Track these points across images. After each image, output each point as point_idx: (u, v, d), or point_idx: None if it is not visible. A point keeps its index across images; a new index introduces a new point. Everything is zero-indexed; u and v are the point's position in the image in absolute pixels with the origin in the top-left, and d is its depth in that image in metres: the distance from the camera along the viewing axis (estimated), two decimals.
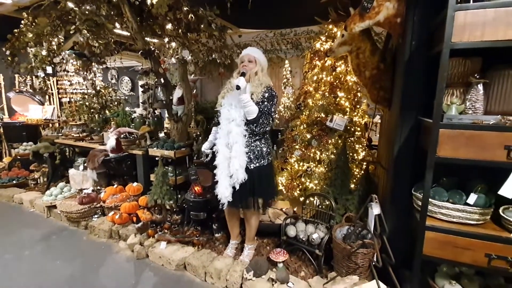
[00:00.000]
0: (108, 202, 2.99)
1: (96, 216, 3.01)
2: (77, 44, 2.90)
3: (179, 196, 3.14)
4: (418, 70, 1.67)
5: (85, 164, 3.41)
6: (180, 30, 3.46)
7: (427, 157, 1.51)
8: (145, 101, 3.34)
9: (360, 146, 3.16)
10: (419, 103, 1.70)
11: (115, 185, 3.15)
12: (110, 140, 3.17)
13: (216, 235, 2.55)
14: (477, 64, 1.40)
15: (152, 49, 3.31)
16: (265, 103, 1.99)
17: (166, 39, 3.96)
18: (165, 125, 4.13)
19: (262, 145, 2.12)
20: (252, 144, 2.06)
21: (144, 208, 3.02)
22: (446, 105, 1.42)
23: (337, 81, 3.07)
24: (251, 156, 2.04)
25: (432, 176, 1.62)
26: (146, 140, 3.43)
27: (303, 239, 2.26)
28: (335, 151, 3.03)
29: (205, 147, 2.35)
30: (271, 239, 2.65)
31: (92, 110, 4.17)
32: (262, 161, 2.09)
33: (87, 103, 4.16)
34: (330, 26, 3.23)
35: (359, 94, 3.17)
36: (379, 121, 3.94)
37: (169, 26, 3.58)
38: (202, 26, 3.14)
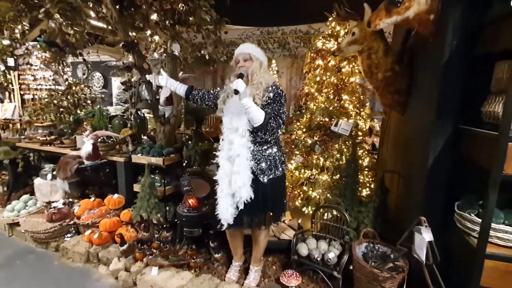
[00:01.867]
0: (84, 219, 2.55)
1: (69, 235, 2.56)
2: (45, 33, 2.43)
3: (168, 209, 2.78)
4: (458, 73, 1.49)
5: (55, 173, 2.92)
6: (167, 22, 3.08)
7: (475, 171, 1.33)
8: (127, 100, 2.93)
9: (365, 152, 3.01)
10: (458, 110, 1.52)
11: (92, 198, 2.71)
12: (86, 145, 2.72)
13: (216, 255, 2.24)
14: None
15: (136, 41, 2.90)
16: (272, 104, 1.71)
17: (149, 32, 3.56)
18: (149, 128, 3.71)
19: (275, 152, 1.85)
20: (264, 153, 1.78)
21: (128, 224, 2.62)
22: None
23: (341, 83, 2.88)
24: (263, 167, 1.77)
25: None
26: (128, 144, 3.01)
27: (318, 258, 2.03)
28: (339, 158, 2.84)
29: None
30: (276, 257, 2.39)
31: (61, 109, 3.63)
32: (276, 172, 1.82)
33: (55, 101, 3.61)
34: (333, 24, 3.03)
35: (362, 97, 3.00)
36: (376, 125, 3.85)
37: (154, 16, 3.18)
38: (194, 17, 2.80)
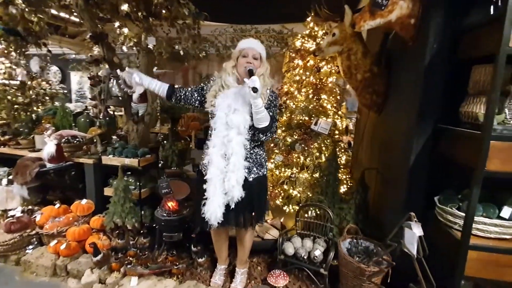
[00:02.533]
0: (48, 228, 2.30)
1: (31, 247, 2.29)
2: (1, 19, 2.13)
3: (143, 213, 2.62)
4: (439, 76, 1.58)
5: (11, 177, 2.59)
6: (140, 13, 2.89)
7: (452, 168, 1.42)
8: (95, 96, 2.69)
9: (342, 150, 3.10)
10: (438, 110, 1.61)
11: (57, 204, 2.45)
12: (48, 146, 2.45)
13: (199, 260, 2.15)
14: (509, 71, 1.35)
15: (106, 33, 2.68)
16: (271, 108, 1.71)
17: (117, 23, 3.32)
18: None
19: (261, 151, 1.82)
20: (251, 151, 1.74)
21: (99, 232, 2.42)
22: (482, 114, 1.33)
23: (320, 83, 2.93)
24: (250, 165, 1.73)
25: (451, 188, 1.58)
26: (97, 145, 2.78)
27: (304, 256, 2.04)
28: (318, 156, 2.90)
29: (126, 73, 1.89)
30: (261, 258, 2.36)
31: (16, 106, 3.23)
32: (262, 170, 1.79)
33: (8, 97, 3.20)
34: (311, 24, 3.08)
35: (339, 97, 3.09)
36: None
37: (124, 7, 2.97)
38: (171, 10, 2.66)
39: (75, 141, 2.82)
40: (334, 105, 2.96)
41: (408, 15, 1.72)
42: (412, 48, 1.78)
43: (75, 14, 3.24)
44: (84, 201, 2.52)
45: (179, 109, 3.08)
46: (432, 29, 1.55)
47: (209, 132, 1.79)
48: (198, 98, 1.84)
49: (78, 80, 6.90)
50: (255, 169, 1.75)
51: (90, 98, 3.16)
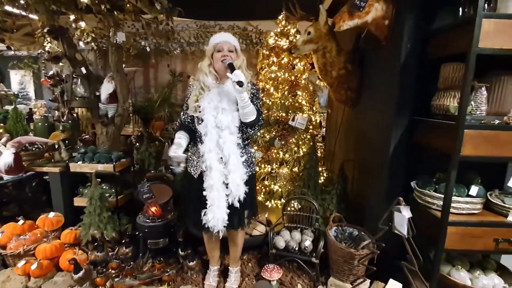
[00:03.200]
0: (13, 247, 2.03)
1: None
2: None
3: (120, 221, 2.46)
4: (412, 73, 1.75)
5: None
6: (103, 6, 2.67)
7: (426, 155, 1.61)
8: (56, 98, 2.42)
9: (317, 143, 3.24)
10: (412, 104, 1.78)
11: (20, 221, 2.17)
12: (4, 155, 2.16)
13: (190, 263, 2.09)
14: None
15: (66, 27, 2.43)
16: (255, 101, 1.71)
17: (72, 17, 3.03)
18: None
19: (252, 150, 1.84)
20: (243, 150, 1.75)
21: (73, 246, 2.21)
22: (453, 106, 1.52)
23: (295, 80, 3.02)
24: (245, 164, 1.74)
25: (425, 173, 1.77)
26: (61, 151, 2.52)
27: (295, 248, 2.11)
28: (297, 151, 3.00)
29: (175, 152, 1.61)
30: (250, 254, 2.39)
31: None
32: (252, 168, 1.81)
33: None
34: (284, 23, 3.14)
35: (313, 93, 3.22)
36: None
37: None
38: (141, 4, 2.50)
39: (33, 149, 2.52)
40: (309, 101, 3.07)
41: (383, 17, 1.87)
42: (386, 47, 1.94)
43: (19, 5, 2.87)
44: (51, 214, 2.28)
45: (151, 109, 2.93)
46: (406, 31, 1.71)
47: (196, 136, 1.74)
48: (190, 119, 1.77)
49: (20, 79, 6.10)
50: (248, 167, 1.76)
51: (50, 100, 2.83)
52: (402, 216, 1.41)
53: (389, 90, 1.90)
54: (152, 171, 2.53)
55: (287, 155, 2.98)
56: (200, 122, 1.69)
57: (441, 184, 1.59)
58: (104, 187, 2.42)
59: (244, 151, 1.73)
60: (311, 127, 3.20)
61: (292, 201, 2.43)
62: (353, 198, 2.48)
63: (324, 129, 3.66)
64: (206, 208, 1.67)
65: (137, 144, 2.84)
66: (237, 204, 1.66)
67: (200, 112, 1.68)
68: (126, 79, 2.59)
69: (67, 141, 2.60)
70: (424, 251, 1.62)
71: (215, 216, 1.64)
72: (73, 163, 2.38)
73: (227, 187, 1.66)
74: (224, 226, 1.67)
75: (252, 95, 1.69)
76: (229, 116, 1.64)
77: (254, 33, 5.94)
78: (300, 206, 2.41)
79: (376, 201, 2.03)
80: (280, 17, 3.13)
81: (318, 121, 3.25)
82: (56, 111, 2.51)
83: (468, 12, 1.44)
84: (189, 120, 1.76)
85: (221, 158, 1.66)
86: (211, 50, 1.69)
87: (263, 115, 1.77)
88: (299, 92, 3.05)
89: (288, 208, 2.40)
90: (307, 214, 2.32)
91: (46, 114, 2.77)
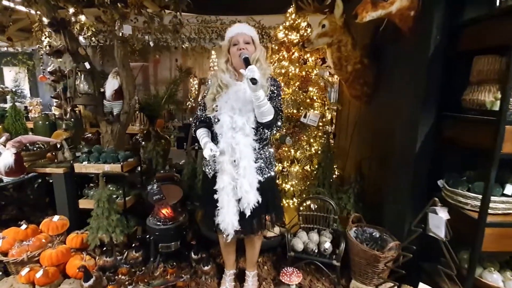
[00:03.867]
0: (15, 254, 1.91)
1: None
2: None
3: (128, 223, 2.35)
4: (439, 66, 1.66)
5: None
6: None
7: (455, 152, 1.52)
8: (59, 95, 2.29)
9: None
10: (439, 99, 1.70)
11: (24, 225, 2.04)
12: (4, 156, 2.03)
13: (205, 267, 2.00)
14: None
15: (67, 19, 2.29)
16: (275, 98, 1.60)
17: (72, 10, 2.90)
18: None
19: (271, 149, 1.74)
20: (261, 152, 1.64)
21: (79, 251, 2.10)
22: (489, 101, 1.43)
23: (307, 75, 2.92)
24: (262, 166, 1.63)
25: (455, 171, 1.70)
26: (64, 151, 2.39)
27: (315, 250, 2.03)
28: (308, 149, 2.91)
29: (211, 150, 1.50)
30: (265, 256, 2.30)
31: None
32: (272, 169, 1.71)
33: None
34: (293, 16, 3.03)
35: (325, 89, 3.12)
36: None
37: None
38: None
39: (35, 149, 2.39)
40: (321, 96, 2.98)
41: (408, 7, 1.78)
42: (410, 40, 1.85)
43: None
44: (56, 217, 2.16)
45: (158, 106, 2.81)
46: (436, 22, 1.61)
47: (213, 135, 1.64)
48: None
49: (14, 76, 5.89)
50: (266, 169, 1.65)
51: (52, 97, 2.69)
52: (439, 218, 1.33)
53: (414, 84, 1.81)
54: (162, 171, 2.42)
55: (298, 153, 2.89)
56: (216, 122, 1.59)
57: (475, 183, 1.51)
58: (111, 188, 2.30)
59: (259, 154, 1.62)
60: (320, 124, 3.12)
61: (308, 201, 2.34)
62: (370, 197, 2.40)
63: (334, 126, 3.57)
64: (218, 209, 1.58)
65: (143, 142, 2.72)
66: (248, 212, 1.56)
67: (217, 111, 1.58)
68: (132, 74, 2.46)
69: (70, 140, 2.47)
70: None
71: (225, 220, 1.55)
72: (77, 164, 2.26)
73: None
74: (238, 231, 1.58)
75: (271, 92, 1.58)
76: (244, 117, 1.53)
77: (257, 28, 5.83)
78: (316, 206, 2.32)
79: (398, 200, 1.96)
80: (290, 10, 3.03)
81: (329, 117, 3.17)
82: (56, 109, 2.37)
83: (506, 1, 1.36)
84: (206, 117, 1.66)
85: (234, 161, 1.55)
86: (227, 45, 1.58)
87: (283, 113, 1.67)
88: (310, 88, 2.95)
89: (302, 208, 2.31)
90: (324, 214, 2.24)
91: (47, 112, 2.63)
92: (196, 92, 5.22)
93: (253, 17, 5.56)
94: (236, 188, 1.54)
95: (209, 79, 1.71)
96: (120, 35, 2.30)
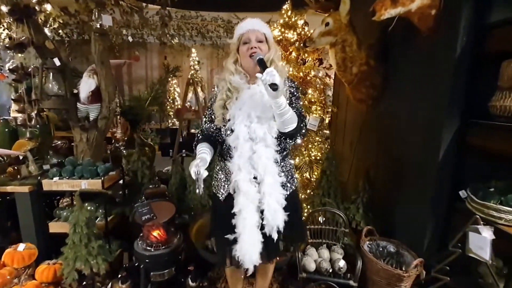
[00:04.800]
0: None
1: None
2: None
3: (111, 246, 2.02)
4: (464, 69, 1.55)
5: None
6: None
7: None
8: (22, 96, 1.89)
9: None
10: (464, 104, 1.59)
11: None
12: None
13: None
14: None
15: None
16: (296, 102, 1.40)
17: None
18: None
19: (291, 160, 1.53)
20: (282, 164, 1.43)
21: (54, 285, 1.74)
22: None
23: (305, 76, 2.75)
24: (284, 180, 1.42)
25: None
26: (28, 164, 1.99)
27: (329, 270, 1.85)
28: (308, 154, 2.73)
29: (197, 168, 1.19)
30: (272, 277, 2.07)
31: None
32: (294, 183, 1.50)
33: None
34: (289, 13, 2.84)
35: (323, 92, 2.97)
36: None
37: None
38: None
39: None
40: (319, 99, 2.82)
41: (429, 5, 1.64)
42: (430, 40, 1.72)
43: None
44: (21, 246, 1.78)
45: (142, 109, 2.48)
46: (463, 22, 1.49)
47: (224, 150, 1.40)
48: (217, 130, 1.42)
49: None
50: (288, 184, 1.44)
51: (13, 99, 2.25)
52: (483, 238, 1.20)
53: (434, 88, 1.69)
54: (151, 185, 2.10)
55: (297, 160, 2.71)
56: (229, 133, 1.34)
57: (509, 196, 1.41)
58: (89, 208, 1.96)
59: (282, 167, 1.41)
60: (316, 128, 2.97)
61: (317, 214, 2.16)
62: (379, 207, 2.26)
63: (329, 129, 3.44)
64: (233, 237, 1.32)
65: (125, 151, 2.38)
66: (275, 235, 1.33)
67: (229, 120, 1.33)
68: (111, 72, 2.12)
69: (35, 151, 2.07)
70: (473, 267, 1.44)
71: (245, 250, 1.29)
72: (47, 180, 1.89)
73: (262, 214, 1.33)
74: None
75: (291, 95, 1.38)
76: (265, 125, 1.31)
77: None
78: (324, 219, 2.14)
79: (416, 212, 1.83)
80: (285, 7, 2.84)
81: (327, 121, 3.02)
82: (16, 113, 1.96)
83: None
84: (214, 130, 1.40)
85: (254, 178, 1.32)
86: (236, 43, 1.36)
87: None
88: (309, 91, 2.78)
89: (311, 222, 2.12)
90: (333, 227, 2.07)
91: (6, 117, 2.20)
92: (183, 94, 4.84)
93: (237, 14, 5.31)
94: (261, 210, 1.31)
95: (215, 85, 1.47)
96: (98, 26, 1.95)
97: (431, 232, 1.75)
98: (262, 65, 1.21)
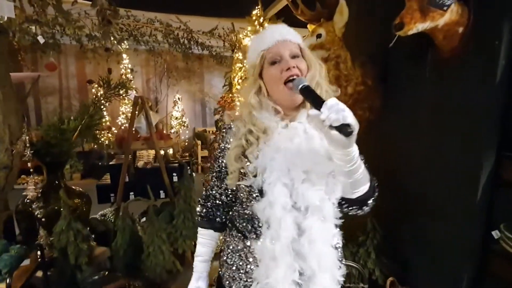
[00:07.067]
0: None
1: None
2: None
3: None
4: (502, 97, 1.37)
5: None
6: None
7: None
8: None
9: None
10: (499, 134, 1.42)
11: None
12: None
13: None
14: None
15: None
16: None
17: None
18: None
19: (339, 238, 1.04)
20: (340, 250, 0.96)
21: None
22: None
23: None
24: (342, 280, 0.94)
25: None
26: None
27: None
28: None
29: None
30: None
31: None
32: (342, 264, 1.04)
33: None
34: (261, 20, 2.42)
35: None
36: None
37: None
38: None
39: None
40: None
41: (457, 22, 1.43)
42: (454, 63, 1.51)
43: None
44: None
45: (68, 145, 1.64)
46: (505, 41, 1.30)
47: (243, 221, 0.87)
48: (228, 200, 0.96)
49: None
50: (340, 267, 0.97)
51: None
52: None
53: (462, 119, 1.48)
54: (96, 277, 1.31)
55: None
56: (257, 198, 0.82)
57: None
58: None
59: (339, 250, 0.94)
60: None
61: None
62: (400, 249, 1.94)
63: None
64: None
65: (41, 210, 1.52)
66: None
67: (255, 176, 0.81)
68: (15, 92, 1.29)
69: None
70: None
71: None
72: None
73: None
74: None
75: None
76: (320, 186, 0.82)
77: (182, 31, 4.86)
78: None
79: (444, 256, 1.60)
80: (255, 12, 2.41)
81: None
82: None
83: None
84: (228, 196, 0.86)
85: (300, 274, 0.81)
86: (257, 65, 0.87)
87: None
88: None
89: None
90: (349, 285, 1.69)
91: None
92: (131, 116, 3.73)
93: (178, 17, 4.57)
94: None
95: (225, 126, 0.92)
96: None
97: (468, 281, 1.53)
98: (311, 95, 0.75)
